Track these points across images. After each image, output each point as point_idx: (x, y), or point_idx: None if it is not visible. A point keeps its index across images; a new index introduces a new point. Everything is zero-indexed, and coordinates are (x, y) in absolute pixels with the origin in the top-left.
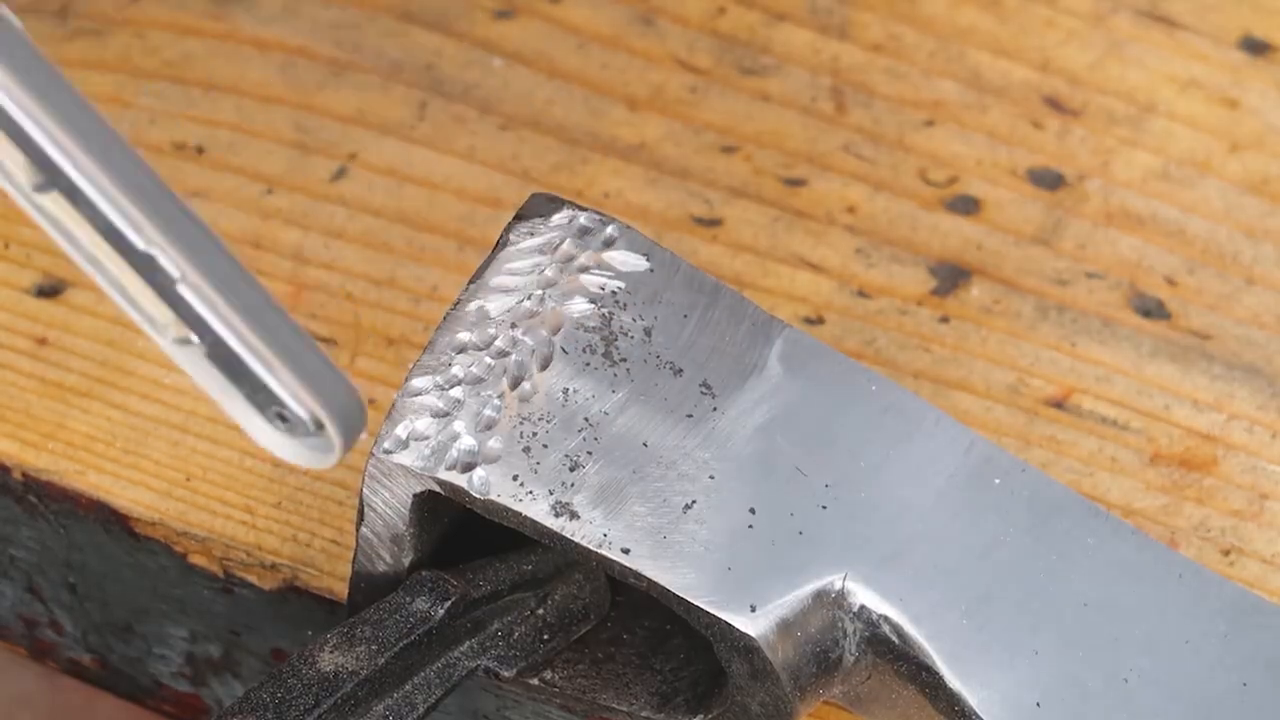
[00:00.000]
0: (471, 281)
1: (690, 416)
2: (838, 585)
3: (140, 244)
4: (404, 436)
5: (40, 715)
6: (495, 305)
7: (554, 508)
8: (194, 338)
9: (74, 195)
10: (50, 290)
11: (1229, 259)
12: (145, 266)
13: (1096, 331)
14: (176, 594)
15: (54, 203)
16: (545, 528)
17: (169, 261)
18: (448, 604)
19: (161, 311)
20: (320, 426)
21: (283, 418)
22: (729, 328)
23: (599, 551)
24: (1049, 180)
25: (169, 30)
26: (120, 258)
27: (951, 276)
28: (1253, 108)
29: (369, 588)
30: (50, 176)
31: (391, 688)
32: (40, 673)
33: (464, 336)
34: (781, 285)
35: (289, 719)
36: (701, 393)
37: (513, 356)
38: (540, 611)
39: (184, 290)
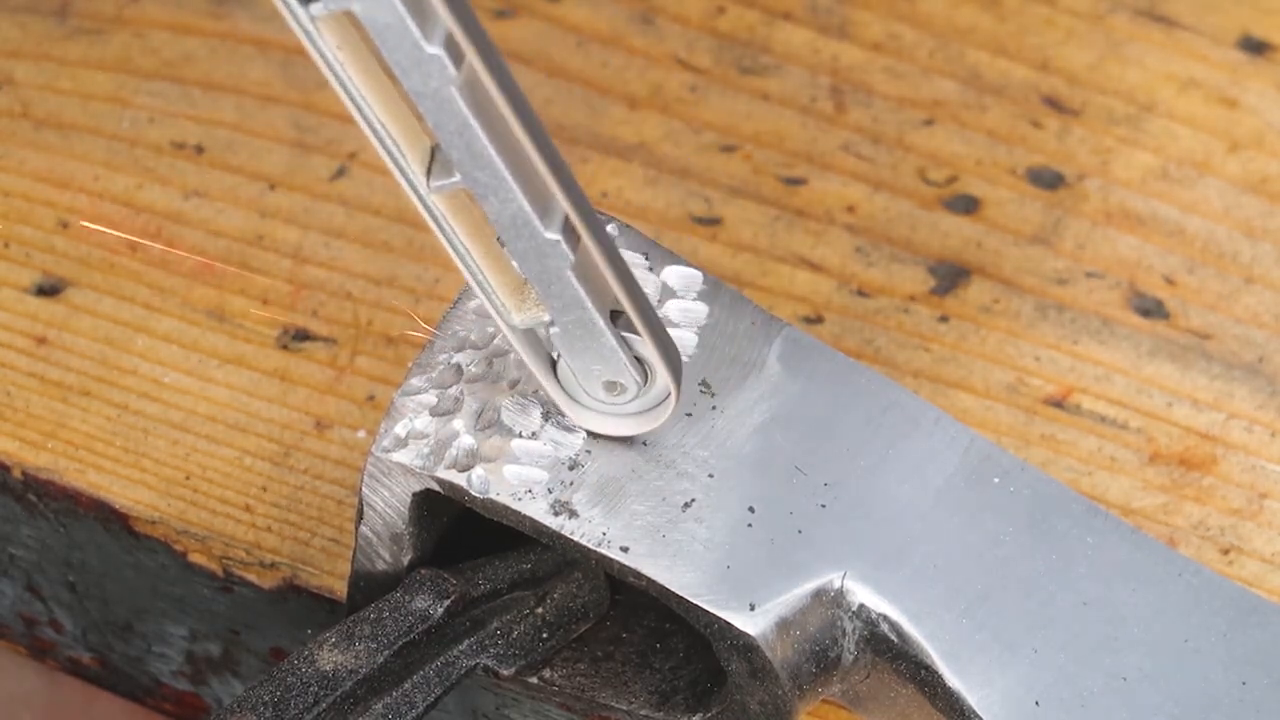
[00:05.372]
0: None
1: (689, 415)
2: (837, 584)
3: (544, 232)
4: (403, 435)
5: (40, 714)
6: None
7: (553, 506)
8: (546, 318)
9: (486, 195)
10: (50, 290)
11: (1228, 258)
12: (539, 254)
13: (1096, 331)
14: (176, 593)
15: (447, 200)
16: (544, 526)
17: (569, 247)
18: (447, 602)
19: (517, 300)
20: (647, 386)
21: (612, 387)
22: (728, 326)
23: (598, 550)
24: (1048, 180)
25: (168, 30)
26: (503, 250)
27: (951, 276)
28: (1252, 107)
29: (368, 586)
30: (469, 179)
31: (391, 686)
32: (40, 671)
33: (463, 335)
34: (781, 284)
35: (288, 717)
36: (700, 391)
37: (512, 355)
38: (539, 610)
39: (571, 274)
